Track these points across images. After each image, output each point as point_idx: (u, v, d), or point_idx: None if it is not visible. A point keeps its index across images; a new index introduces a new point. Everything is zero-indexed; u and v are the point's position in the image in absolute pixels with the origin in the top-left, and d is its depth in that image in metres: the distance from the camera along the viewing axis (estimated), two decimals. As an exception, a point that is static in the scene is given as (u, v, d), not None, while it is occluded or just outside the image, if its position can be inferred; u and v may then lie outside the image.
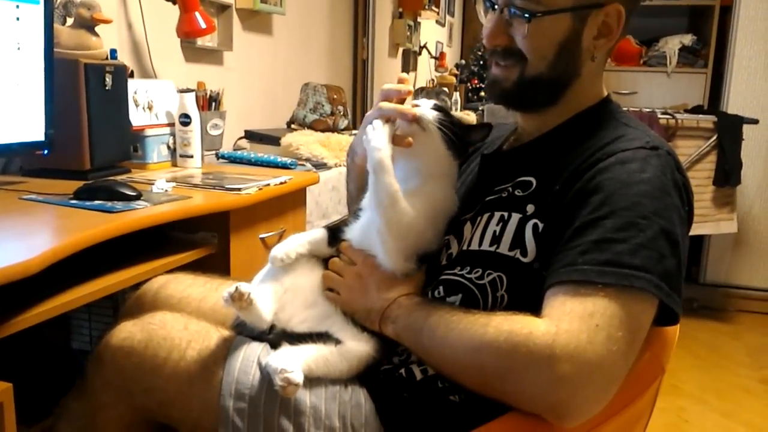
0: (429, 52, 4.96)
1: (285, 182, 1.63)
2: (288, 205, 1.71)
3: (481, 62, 4.78)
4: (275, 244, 1.06)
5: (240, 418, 0.90)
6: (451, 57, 5.86)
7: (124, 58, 1.87)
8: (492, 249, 0.92)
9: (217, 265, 1.39)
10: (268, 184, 1.56)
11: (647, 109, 3.34)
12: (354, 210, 1.06)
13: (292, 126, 2.52)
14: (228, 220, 1.43)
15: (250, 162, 1.95)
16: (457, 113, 3.97)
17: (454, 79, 4.86)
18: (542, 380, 0.76)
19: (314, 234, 1.06)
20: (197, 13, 1.97)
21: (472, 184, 1.08)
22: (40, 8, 1.37)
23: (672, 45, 4.12)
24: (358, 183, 1.13)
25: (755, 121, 3.30)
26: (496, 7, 0.96)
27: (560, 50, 0.93)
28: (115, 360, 0.97)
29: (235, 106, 2.39)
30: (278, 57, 2.87)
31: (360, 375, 0.95)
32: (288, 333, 0.98)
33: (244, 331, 1.02)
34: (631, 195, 0.83)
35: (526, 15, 0.91)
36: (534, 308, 0.82)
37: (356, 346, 0.95)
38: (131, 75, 1.78)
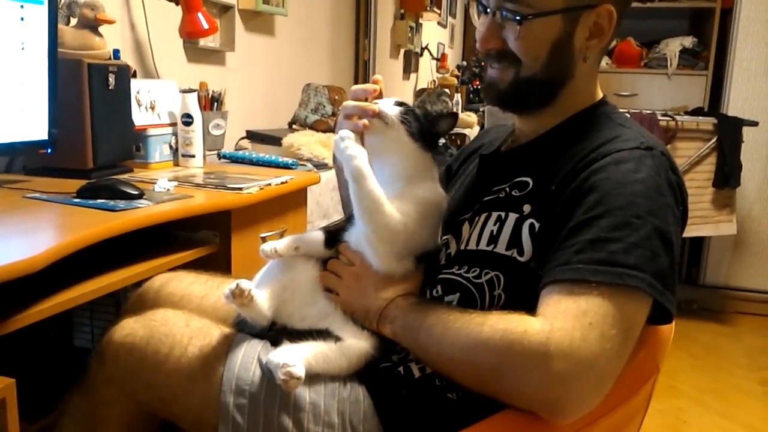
0: (430, 54, 4.96)
1: (286, 182, 1.64)
2: (289, 205, 1.72)
3: (482, 64, 4.78)
4: (275, 243, 1.07)
5: (240, 414, 0.91)
6: (453, 58, 5.87)
7: (127, 58, 1.88)
8: (489, 248, 0.93)
9: (218, 263, 1.40)
10: (270, 184, 1.57)
11: (647, 111, 3.34)
12: (348, 213, 1.07)
13: (294, 126, 2.52)
14: (229, 220, 1.44)
15: (251, 162, 1.96)
16: (460, 114, 3.98)
17: (455, 81, 4.88)
18: (536, 377, 0.77)
19: (309, 234, 1.07)
20: (200, 14, 1.98)
21: (471, 185, 1.09)
22: (44, 8, 1.38)
23: (673, 47, 4.11)
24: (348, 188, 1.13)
25: (755, 123, 3.29)
26: (488, 10, 0.97)
27: (553, 51, 0.94)
28: (117, 356, 0.98)
29: (237, 107, 2.40)
30: (280, 58, 2.87)
31: (359, 372, 0.96)
32: (288, 330, 0.99)
33: (245, 329, 1.03)
34: (625, 195, 0.83)
35: (518, 17, 0.92)
36: (531, 307, 0.83)
37: (356, 344, 0.96)
38: (134, 75, 1.79)
